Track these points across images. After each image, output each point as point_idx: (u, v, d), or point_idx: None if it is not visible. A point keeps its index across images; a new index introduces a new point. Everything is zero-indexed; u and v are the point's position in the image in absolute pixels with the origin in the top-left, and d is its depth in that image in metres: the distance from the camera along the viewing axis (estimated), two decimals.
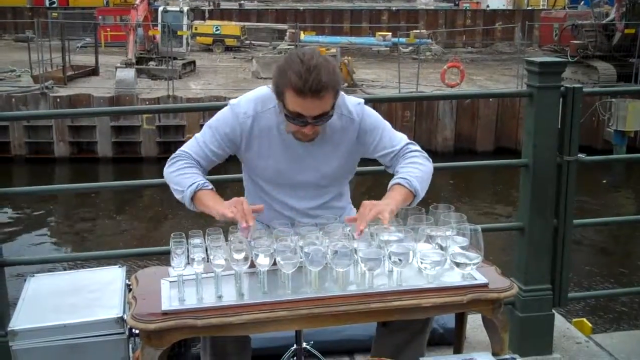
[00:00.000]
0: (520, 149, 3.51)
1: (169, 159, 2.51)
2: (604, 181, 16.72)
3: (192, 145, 2.53)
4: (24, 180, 16.20)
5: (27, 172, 17.36)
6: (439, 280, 2.27)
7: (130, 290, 2.39)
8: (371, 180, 11.82)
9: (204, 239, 2.26)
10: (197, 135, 2.56)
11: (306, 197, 2.57)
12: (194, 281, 2.21)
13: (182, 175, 2.44)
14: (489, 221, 12.90)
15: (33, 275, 2.96)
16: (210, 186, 2.42)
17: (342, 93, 2.45)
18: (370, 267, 2.21)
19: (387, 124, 2.61)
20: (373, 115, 2.58)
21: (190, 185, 2.40)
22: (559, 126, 3.33)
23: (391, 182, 2.48)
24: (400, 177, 2.47)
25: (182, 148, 2.54)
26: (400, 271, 2.25)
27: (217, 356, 2.48)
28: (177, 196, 2.45)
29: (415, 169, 2.50)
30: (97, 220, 14.65)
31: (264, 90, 2.54)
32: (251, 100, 2.51)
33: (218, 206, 2.33)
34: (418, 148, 2.59)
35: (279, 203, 2.58)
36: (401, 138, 2.60)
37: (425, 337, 2.60)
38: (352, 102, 2.56)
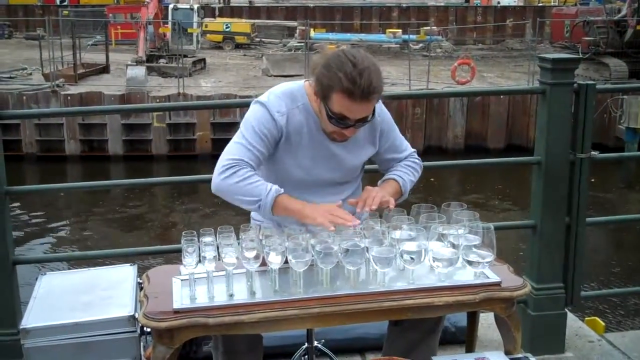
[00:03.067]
0: (532, 146, 3.50)
1: (223, 170, 2.35)
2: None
3: (242, 151, 2.38)
4: (35, 179, 16.27)
5: (38, 171, 17.44)
6: (451, 279, 2.26)
7: (141, 288, 2.39)
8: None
9: (215, 237, 2.25)
10: (238, 140, 2.42)
11: (329, 193, 2.54)
12: (205, 279, 2.21)
13: (250, 184, 2.33)
14: (500, 219, 12.86)
15: (45, 274, 2.96)
16: (283, 190, 2.36)
17: None
18: (382, 266, 2.20)
19: (396, 126, 2.68)
20: (388, 115, 2.62)
21: (268, 192, 2.32)
22: (572, 123, 3.31)
23: (388, 176, 2.59)
24: (397, 175, 2.58)
25: (233, 156, 2.37)
26: (412, 270, 2.24)
27: (229, 354, 2.47)
28: (248, 206, 2.36)
29: (411, 174, 2.62)
30: (108, 218, 14.69)
31: (289, 86, 2.51)
32: (280, 98, 2.46)
33: (309, 211, 2.32)
34: (417, 155, 2.70)
35: (298, 198, 2.50)
36: (406, 145, 2.69)
37: (438, 335, 2.59)
38: None
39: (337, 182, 2.57)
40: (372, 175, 2.84)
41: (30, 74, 21.17)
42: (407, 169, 2.62)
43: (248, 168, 2.36)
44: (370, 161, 2.71)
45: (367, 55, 2.35)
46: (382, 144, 2.60)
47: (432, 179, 14.78)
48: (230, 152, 2.39)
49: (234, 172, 2.34)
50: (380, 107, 2.53)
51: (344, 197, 2.55)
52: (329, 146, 2.49)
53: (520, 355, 2.34)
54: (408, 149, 2.68)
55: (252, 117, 2.44)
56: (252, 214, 2.67)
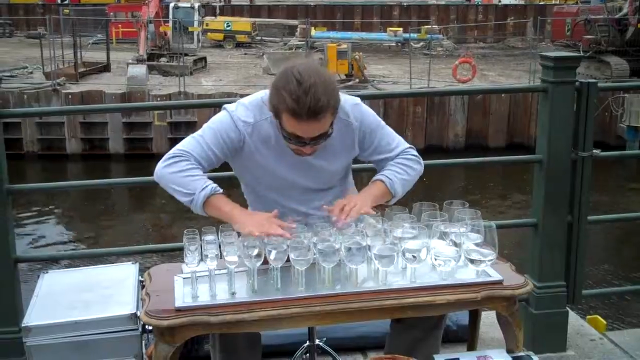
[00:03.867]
0: (533, 144, 3.50)
1: (167, 158, 2.34)
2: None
3: (192, 146, 2.36)
4: (36, 177, 16.28)
5: (39, 169, 17.44)
6: (453, 277, 2.26)
7: (143, 286, 2.39)
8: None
9: (217, 235, 2.25)
10: (195, 135, 2.40)
11: (311, 199, 2.50)
12: (207, 278, 2.21)
13: (189, 177, 2.30)
14: (502, 217, 12.85)
15: (46, 272, 2.97)
16: (221, 190, 2.33)
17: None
18: (383, 264, 2.20)
19: (384, 124, 2.54)
20: (371, 116, 2.49)
21: (203, 188, 2.29)
22: (574, 122, 3.31)
23: (375, 177, 2.48)
24: (384, 176, 2.46)
25: (181, 147, 2.36)
26: (414, 268, 2.24)
27: (227, 353, 2.46)
28: (182, 198, 2.31)
29: (402, 172, 2.48)
30: (110, 216, 14.70)
31: (259, 96, 2.43)
32: (248, 108, 2.40)
33: (241, 218, 2.27)
34: (409, 149, 2.54)
35: (284, 208, 2.47)
36: (398, 142, 2.54)
37: (440, 333, 2.59)
38: (349, 102, 2.45)
39: (318, 189, 2.51)
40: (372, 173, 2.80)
41: (31, 72, 21.18)
42: (398, 167, 2.49)
43: (192, 161, 2.33)
44: (359, 160, 2.65)
45: (319, 70, 2.26)
46: (366, 148, 2.50)
47: (433, 178, 14.80)
48: (182, 143, 2.38)
49: (175, 162, 2.32)
50: (360, 110, 2.46)
51: (329, 200, 2.49)
52: (300, 157, 2.39)
53: (522, 354, 2.34)
54: (400, 145, 2.54)
55: (217, 120, 2.41)
56: None
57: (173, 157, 2.34)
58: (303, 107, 2.16)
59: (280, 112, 2.24)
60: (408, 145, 2.56)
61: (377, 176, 2.49)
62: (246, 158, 2.42)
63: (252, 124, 2.38)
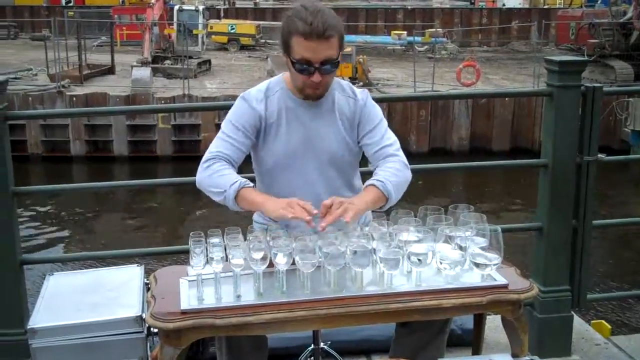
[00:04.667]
0: (537, 148, 3.50)
1: (201, 164, 2.47)
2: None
3: (219, 144, 2.50)
4: (40, 179, 16.30)
5: (44, 171, 17.47)
6: (459, 281, 2.26)
7: (149, 289, 2.40)
8: None
9: (223, 238, 2.26)
10: (218, 135, 2.54)
11: (316, 183, 2.53)
12: (213, 280, 2.21)
13: (220, 176, 2.41)
14: (506, 221, 12.83)
15: (52, 274, 2.97)
16: (252, 184, 2.42)
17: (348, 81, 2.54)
18: (389, 268, 2.20)
19: (385, 121, 2.62)
20: (376, 106, 2.63)
21: (233, 183, 2.37)
22: (579, 126, 3.31)
23: (367, 182, 2.49)
24: (376, 179, 2.46)
25: (210, 150, 2.49)
26: (420, 272, 2.24)
27: (234, 356, 2.47)
28: (217, 198, 2.41)
29: (393, 175, 2.48)
30: (114, 218, 14.72)
31: (271, 79, 2.63)
32: (260, 90, 2.57)
33: (270, 204, 2.32)
34: (401, 155, 2.56)
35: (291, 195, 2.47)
36: (391, 140, 2.58)
37: (445, 338, 2.59)
38: (358, 89, 2.64)
39: (325, 167, 2.54)
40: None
41: (36, 74, 21.23)
42: (388, 170, 2.49)
43: (223, 161, 2.45)
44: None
45: (320, 2, 2.45)
46: (362, 128, 2.56)
47: (437, 181, 14.79)
48: (210, 147, 2.52)
49: (208, 165, 2.45)
50: (367, 95, 2.60)
51: (335, 188, 2.53)
52: (308, 124, 2.52)
53: (527, 358, 2.33)
54: (392, 145, 2.56)
55: (231, 112, 2.56)
56: (254, 217, 2.68)
57: (206, 161, 2.47)
58: (313, 27, 2.33)
59: (290, 38, 2.38)
60: (397, 147, 2.58)
61: (369, 181, 2.49)
62: (265, 133, 2.53)
63: (264, 99, 2.53)
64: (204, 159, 2.48)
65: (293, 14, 2.39)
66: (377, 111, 2.61)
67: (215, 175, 2.42)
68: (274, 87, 2.57)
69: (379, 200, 2.43)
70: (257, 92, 2.56)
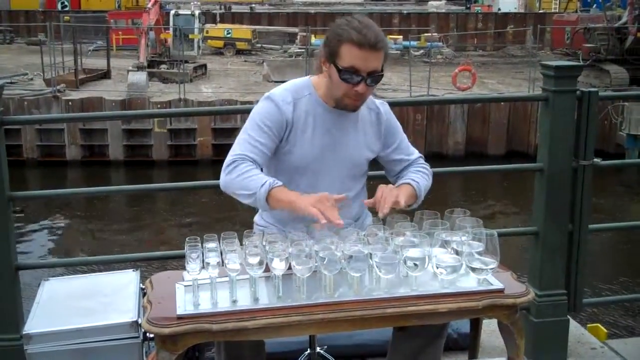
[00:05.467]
0: (532, 152, 3.51)
1: (225, 167, 2.42)
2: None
3: (243, 147, 2.45)
4: (36, 184, 16.28)
5: (39, 176, 17.44)
6: (455, 286, 2.26)
7: (144, 294, 2.39)
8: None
9: (219, 243, 2.25)
10: (242, 135, 2.49)
11: (335, 188, 2.50)
12: (209, 285, 2.21)
13: (248, 178, 2.37)
14: (502, 225, 12.84)
15: (47, 279, 2.97)
16: (280, 182, 2.38)
17: None
18: (385, 272, 2.20)
19: (401, 128, 2.72)
20: (395, 119, 2.68)
21: (263, 184, 2.34)
22: (574, 130, 3.31)
23: (402, 181, 2.57)
24: (411, 180, 2.56)
25: (234, 152, 2.45)
26: (416, 276, 2.24)
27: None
28: (246, 200, 2.39)
29: (424, 179, 2.61)
30: (110, 223, 14.69)
31: (295, 81, 2.60)
32: (287, 90, 2.54)
33: (301, 201, 2.31)
34: (426, 163, 2.71)
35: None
36: (413, 149, 2.72)
37: (442, 342, 2.58)
38: (378, 100, 2.70)
39: (344, 176, 2.57)
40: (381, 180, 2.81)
41: (32, 79, 21.22)
42: (419, 174, 2.62)
43: (248, 162, 2.41)
44: (376, 165, 2.71)
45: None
46: (389, 143, 2.64)
47: (433, 186, 14.68)
48: (234, 148, 2.47)
49: (234, 167, 2.41)
50: (387, 108, 2.68)
51: (351, 194, 2.56)
52: (335, 134, 2.53)
53: None
54: (416, 152, 2.71)
55: (256, 112, 2.52)
56: (255, 219, 2.68)
57: (230, 163, 2.42)
58: (367, 36, 2.35)
59: (340, 46, 2.39)
60: (421, 155, 2.73)
61: (404, 180, 2.59)
62: (289, 136, 2.50)
63: (292, 101, 2.51)
64: (228, 161, 2.43)
65: (344, 24, 2.41)
66: (397, 123, 2.70)
67: (242, 178, 2.38)
68: (302, 91, 2.54)
69: (412, 198, 2.51)
70: (285, 92, 2.53)
